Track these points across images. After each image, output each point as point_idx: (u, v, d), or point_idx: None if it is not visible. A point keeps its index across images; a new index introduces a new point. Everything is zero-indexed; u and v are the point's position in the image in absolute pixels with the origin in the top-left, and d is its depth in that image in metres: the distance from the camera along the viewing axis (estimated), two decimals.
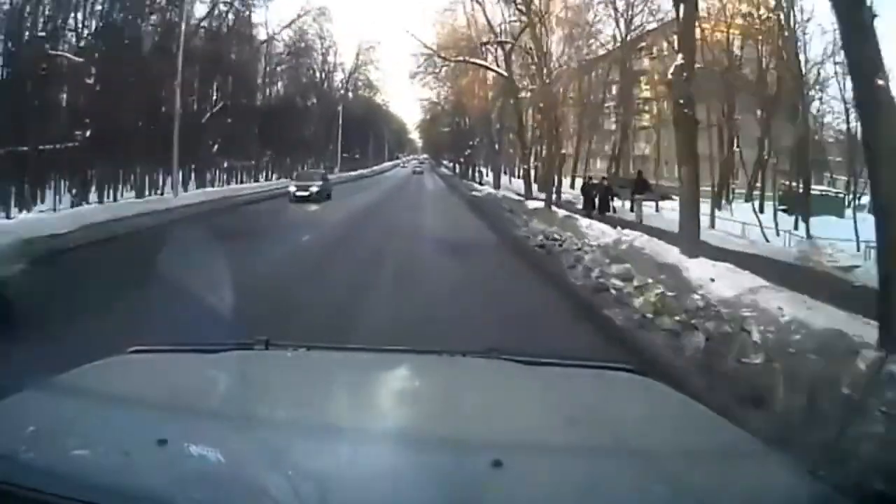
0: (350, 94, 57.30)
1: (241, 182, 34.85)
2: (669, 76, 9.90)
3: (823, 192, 25.05)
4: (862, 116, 5.41)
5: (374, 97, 62.53)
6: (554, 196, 23.62)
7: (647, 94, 34.54)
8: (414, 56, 34.22)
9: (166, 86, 23.49)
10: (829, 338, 4.24)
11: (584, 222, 13.87)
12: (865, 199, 19.53)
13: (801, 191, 21.12)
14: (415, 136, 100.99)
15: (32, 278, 7.90)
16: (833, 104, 23.44)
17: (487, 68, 32.36)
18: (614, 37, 33.26)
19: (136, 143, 21.93)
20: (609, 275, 8.36)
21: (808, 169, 22.03)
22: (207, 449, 1.13)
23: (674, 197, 17.36)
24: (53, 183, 20.01)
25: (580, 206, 22.84)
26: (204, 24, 29.35)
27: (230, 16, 31.81)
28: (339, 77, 53.95)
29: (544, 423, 1.32)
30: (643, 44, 32.34)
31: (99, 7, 22.39)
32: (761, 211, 21.23)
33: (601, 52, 34.47)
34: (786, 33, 21.76)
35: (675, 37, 12.93)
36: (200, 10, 28.78)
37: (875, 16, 4.89)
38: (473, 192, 34.00)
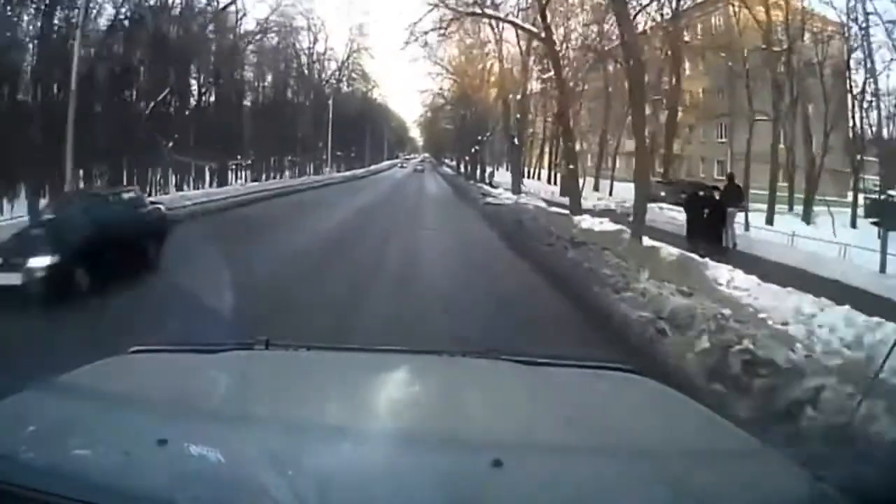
0: (344, 86, 53.07)
1: (199, 187, 28.06)
2: None
3: None
4: None
5: (370, 91, 58.83)
6: (606, 206, 20.81)
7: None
8: (409, 31, 24.90)
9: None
10: None
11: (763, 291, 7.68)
12: None
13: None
14: (415, 133, 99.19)
15: None
16: None
17: (516, 25, 24.00)
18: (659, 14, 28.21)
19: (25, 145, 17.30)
20: None
21: None
22: (207, 449, 1.13)
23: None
24: None
25: (654, 224, 15.00)
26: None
27: None
28: (331, 69, 49.63)
29: (544, 423, 1.32)
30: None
31: None
32: (852, 225, 18.80)
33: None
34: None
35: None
36: None
37: None
38: (489, 200, 25.93)
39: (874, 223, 15.99)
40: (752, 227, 17.93)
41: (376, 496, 1.00)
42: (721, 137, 29.32)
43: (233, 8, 31.34)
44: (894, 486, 1.31)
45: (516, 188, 30.78)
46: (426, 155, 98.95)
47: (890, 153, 19.81)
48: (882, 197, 17.71)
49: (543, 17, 19.01)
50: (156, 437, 1.08)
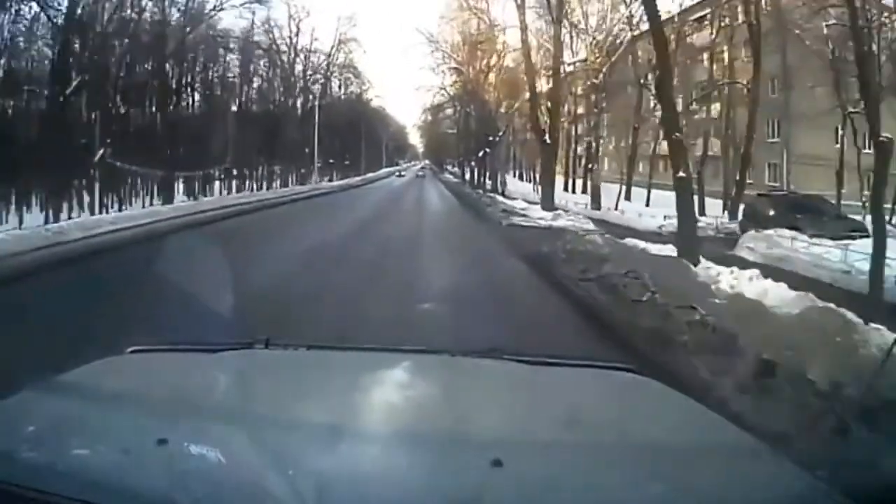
0: (336, 86, 48.06)
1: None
2: None
3: None
4: None
5: (365, 93, 53.66)
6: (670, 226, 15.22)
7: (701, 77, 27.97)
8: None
9: None
10: None
11: None
12: None
13: None
14: (415, 140, 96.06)
15: None
16: None
17: None
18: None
19: None
20: None
21: None
22: (207, 449, 1.13)
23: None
24: None
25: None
26: None
27: None
28: (321, 68, 44.77)
29: (544, 423, 1.32)
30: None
31: None
32: None
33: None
34: None
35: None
36: None
37: None
38: (514, 221, 20.25)
39: None
40: None
41: (376, 496, 1.00)
42: (772, 136, 25.96)
43: None
44: (894, 486, 1.31)
45: (548, 202, 24.21)
46: (426, 162, 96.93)
47: None
48: None
49: None
50: (156, 437, 1.08)
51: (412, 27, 43.78)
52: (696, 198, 20.05)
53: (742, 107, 24.83)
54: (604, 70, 26.70)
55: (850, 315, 5.48)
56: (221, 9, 27.91)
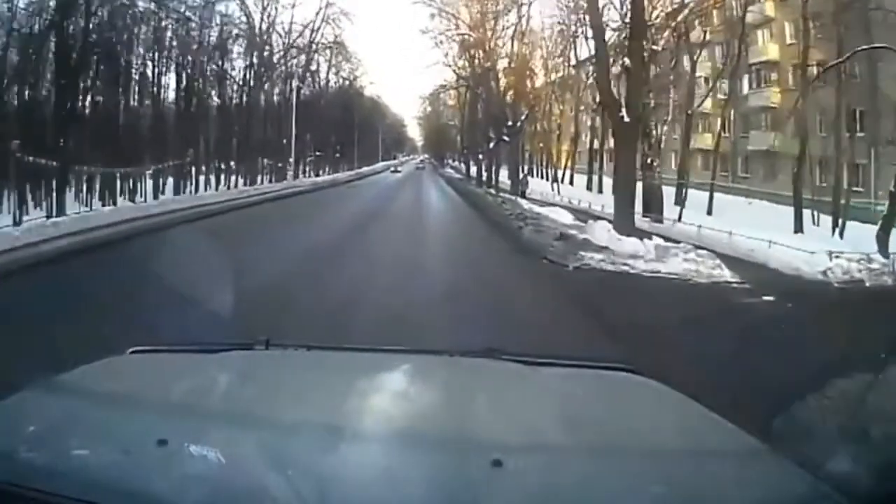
0: (323, 69, 42.05)
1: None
2: None
3: None
4: None
5: (358, 79, 48.00)
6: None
7: (766, 55, 24.61)
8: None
9: None
10: None
11: None
12: None
13: None
14: (414, 133, 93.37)
15: None
16: None
17: None
18: None
19: None
20: None
21: None
22: (207, 449, 1.13)
23: None
24: None
25: None
26: None
27: None
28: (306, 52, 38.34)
29: (544, 423, 1.32)
30: None
31: None
32: None
33: None
34: None
35: None
36: None
37: None
38: (584, 258, 11.52)
39: None
40: None
41: (376, 496, 1.00)
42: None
43: None
44: (894, 486, 1.31)
45: (625, 220, 14.66)
46: (425, 156, 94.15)
47: None
48: None
49: None
50: (156, 437, 1.08)
51: (410, 9, 39.20)
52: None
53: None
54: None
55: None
56: None
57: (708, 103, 26.61)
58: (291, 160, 36.81)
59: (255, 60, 33.74)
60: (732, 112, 26.52)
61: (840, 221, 19.23)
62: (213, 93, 31.46)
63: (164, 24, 26.51)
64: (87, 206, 19.69)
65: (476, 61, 34.84)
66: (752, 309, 8.57)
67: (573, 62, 36.22)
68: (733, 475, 1.14)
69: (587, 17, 21.43)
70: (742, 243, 14.34)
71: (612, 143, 40.91)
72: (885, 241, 14.08)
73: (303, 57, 38.33)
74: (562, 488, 1.04)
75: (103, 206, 19.87)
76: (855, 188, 20.11)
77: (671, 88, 25.83)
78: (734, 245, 14.41)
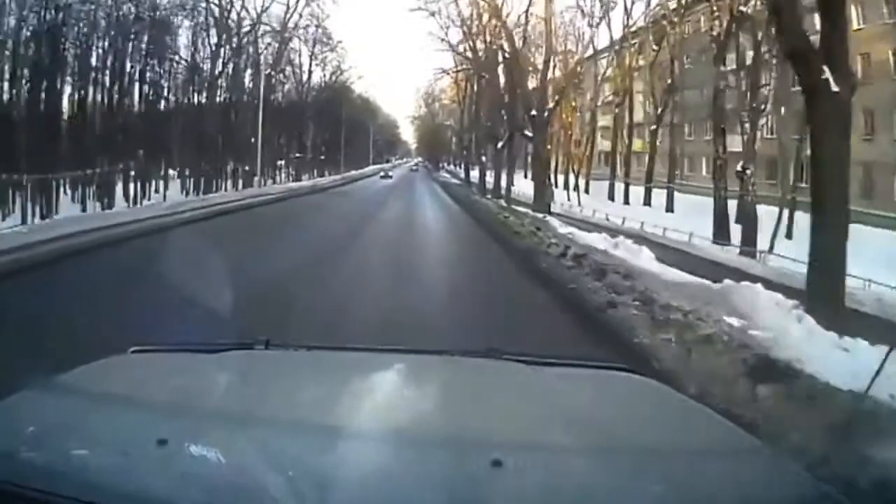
0: (301, 51, 37.41)
1: None
2: None
3: None
4: None
5: (344, 72, 43.13)
6: None
7: None
8: None
9: None
10: None
11: None
12: None
13: None
14: (408, 136, 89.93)
15: None
16: None
17: None
18: None
19: None
20: None
21: None
22: (207, 449, 1.13)
23: None
24: None
25: None
26: None
27: None
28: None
29: (544, 423, 1.32)
30: None
31: None
32: None
33: None
34: None
35: None
36: None
37: None
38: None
39: None
40: None
41: (376, 496, 1.00)
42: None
43: None
44: (894, 487, 1.32)
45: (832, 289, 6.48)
46: (419, 159, 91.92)
47: None
48: None
49: None
50: (156, 437, 1.08)
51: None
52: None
53: None
54: None
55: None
56: None
57: None
58: (258, 162, 31.74)
59: (213, 40, 29.03)
60: None
61: None
62: (165, 84, 27.41)
63: None
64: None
65: (485, 38, 29.96)
66: None
67: (589, 52, 33.43)
68: (733, 475, 1.14)
69: None
70: None
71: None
72: None
73: (278, 44, 33.38)
74: (562, 488, 1.05)
75: None
76: None
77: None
78: None
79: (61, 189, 20.87)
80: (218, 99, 31.26)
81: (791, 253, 14.71)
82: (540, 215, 19.77)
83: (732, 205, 21.19)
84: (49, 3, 20.04)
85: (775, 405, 3.66)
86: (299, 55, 37.61)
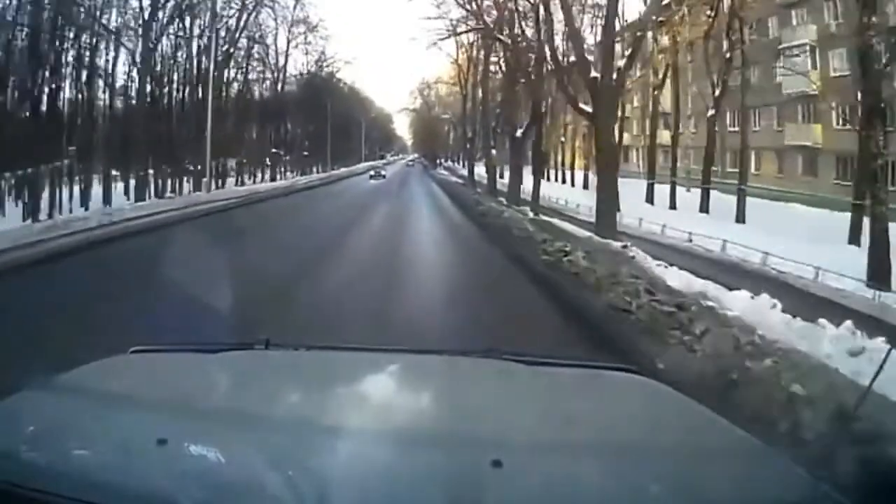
0: (278, 32, 32.45)
1: None
2: None
3: None
4: None
5: (327, 63, 37.74)
6: None
7: None
8: None
9: None
10: None
11: None
12: None
13: None
14: (404, 131, 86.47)
15: None
16: None
17: None
18: None
19: None
20: None
21: None
22: (207, 449, 1.13)
23: None
24: None
25: None
26: None
27: None
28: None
29: (544, 424, 1.32)
30: None
31: None
32: None
33: None
34: None
35: None
36: None
37: None
38: None
39: None
40: None
41: (376, 496, 1.00)
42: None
43: None
44: (894, 486, 1.33)
45: None
46: (415, 155, 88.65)
47: None
48: None
49: None
50: (156, 437, 1.08)
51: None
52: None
53: None
54: None
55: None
56: None
57: None
58: (207, 160, 25.21)
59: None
60: None
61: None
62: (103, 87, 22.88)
63: None
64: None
65: None
66: None
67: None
68: (733, 475, 1.14)
69: None
70: None
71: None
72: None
73: (238, 14, 27.08)
74: (562, 488, 1.05)
75: None
76: None
77: None
78: None
79: None
80: (175, 88, 25.92)
81: None
82: (616, 244, 11.96)
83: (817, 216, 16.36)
84: None
85: None
86: (276, 37, 32.07)
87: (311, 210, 21.66)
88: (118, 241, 13.65)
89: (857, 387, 3.46)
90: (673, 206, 27.72)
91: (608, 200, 16.22)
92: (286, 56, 33.89)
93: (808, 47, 23.96)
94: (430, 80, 45.01)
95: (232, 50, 28.07)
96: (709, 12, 26.21)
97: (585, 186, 33.14)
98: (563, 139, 37.25)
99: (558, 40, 22.75)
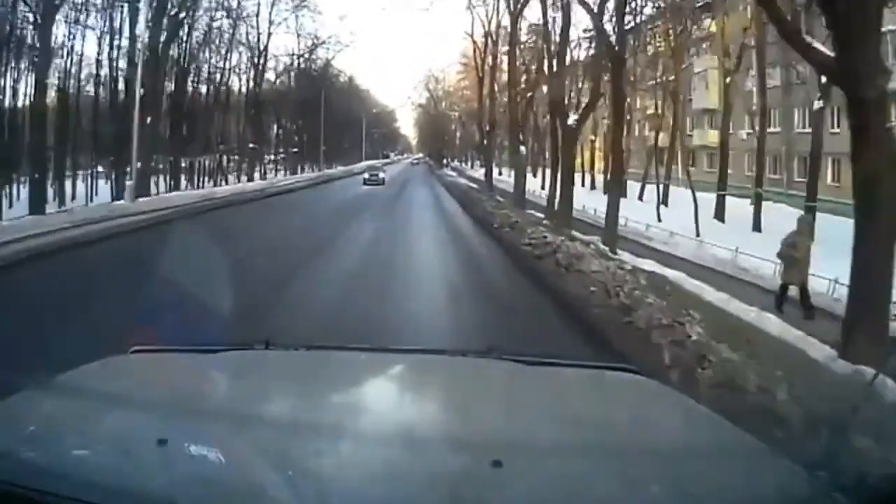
0: (260, 5, 27.78)
1: None
2: None
3: None
4: None
5: (322, 41, 33.07)
6: None
7: None
8: None
9: None
10: None
11: None
12: None
13: None
14: (409, 129, 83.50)
15: None
16: None
17: None
18: None
19: None
20: None
21: None
22: (207, 449, 1.13)
23: None
24: None
25: None
26: None
27: None
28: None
29: (544, 423, 1.32)
30: None
31: None
32: None
33: None
34: None
35: None
36: None
37: None
38: None
39: None
40: None
41: (376, 496, 1.00)
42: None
43: None
44: (894, 486, 1.32)
45: None
46: (420, 155, 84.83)
47: None
48: None
49: None
50: (156, 437, 1.08)
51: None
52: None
53: None
54: None
55: None
56: None
57: None
58: (133, 164, 20.42)
59: None
60: None
61: None
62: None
63: None
64: None
65: None
66: None
67: None
68: (733, 475, 1.14)
69: None
70: None
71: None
72: None
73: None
74: (562, 488, 1.05)
75: None
76: None
77: None
78: None
79: None
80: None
81: None
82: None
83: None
84: None
85: None
86: (257, 14, 27.61)
87: (235, 244, 12.15)
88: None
89: None
90: (757, 229, 21.25)
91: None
92: (268, 35, 29.17)
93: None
94: (437, 73, 41.79)
95: (186, 20, 23.39)
96: None
97: (640, 197, 26.56)
98: (592, 137, 29.59)
99: None
